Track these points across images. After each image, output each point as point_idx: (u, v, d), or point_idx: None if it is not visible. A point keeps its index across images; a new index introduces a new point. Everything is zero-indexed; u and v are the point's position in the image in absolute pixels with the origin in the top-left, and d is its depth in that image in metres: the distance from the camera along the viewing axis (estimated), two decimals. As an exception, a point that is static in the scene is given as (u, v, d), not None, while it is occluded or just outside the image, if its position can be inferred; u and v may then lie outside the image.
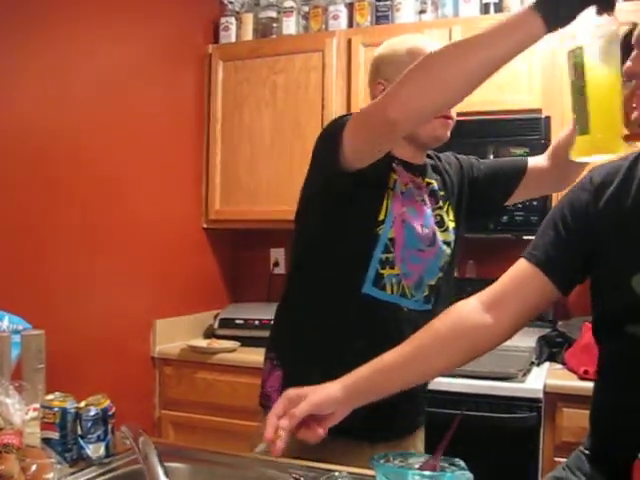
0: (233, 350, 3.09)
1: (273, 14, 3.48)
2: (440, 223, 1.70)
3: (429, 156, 1.79)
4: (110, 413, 1.45)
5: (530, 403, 2.42)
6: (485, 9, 3.07)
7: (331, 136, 1.52)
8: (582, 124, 1.11)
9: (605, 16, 1.12)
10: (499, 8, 3.05)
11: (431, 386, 2.44)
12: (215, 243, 3.58)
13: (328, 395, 1.26)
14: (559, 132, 2.70)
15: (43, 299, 2.53)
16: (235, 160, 3.39)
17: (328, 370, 1.47)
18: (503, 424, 2.41)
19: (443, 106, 1.42)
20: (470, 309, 1.34)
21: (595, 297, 1.32)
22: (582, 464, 1.32)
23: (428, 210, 1.67)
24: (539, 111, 2.82)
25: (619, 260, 1.24)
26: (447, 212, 1.73)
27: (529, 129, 2.79)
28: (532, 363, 2.71)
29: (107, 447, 1.43)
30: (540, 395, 2.42)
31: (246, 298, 3.65)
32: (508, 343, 2.88)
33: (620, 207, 1.26)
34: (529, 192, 1.87)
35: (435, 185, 1.73)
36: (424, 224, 1.65)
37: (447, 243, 1.70)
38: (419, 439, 1.78)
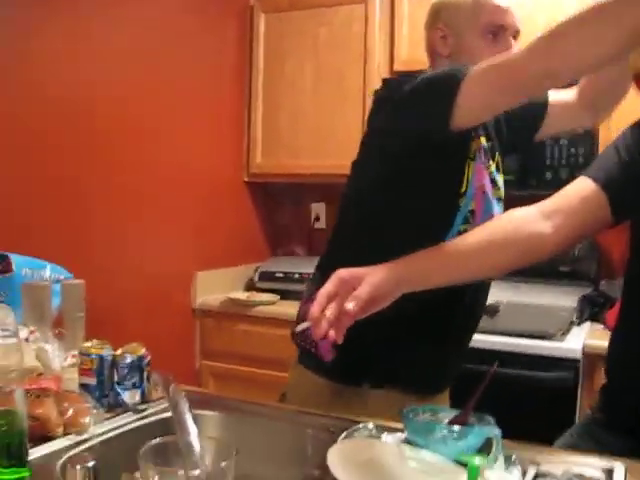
0: (272, 303, 3.12)
1: (316, -36, 3.42)
2: (494, 181, 1.63)
3: None
4: (146, 361, 1.48)
5: (568, 362, 2.40)
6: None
7: (442, 90, 1.38)
8: None
9: None
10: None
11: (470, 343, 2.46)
12: (256, 196, 3.59)
13: (387, 275, 1.22)
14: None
15: (85, 250, 2.58)
16: (276, 114, 3.38)
17: (377, 326, 1.43)
18: (541, 383, 2.40)
19: (600, 63, 1.28)
20: (530, 215, 1.36)
21: (636, 229, 1.34)
22: (590, 430, 1.33)
23: (487, 173, 1.62)
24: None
25: None
26: (497, 165, 1.68)
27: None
28: (572, 322, 2.69)
29: (142, 394, 1.46)
30: (578, 355, 2.40)
31: (287, 252, 3.67)
32: (550, 302, 2.89)
33: None
34: (558, 126, 1.79)
35: (483, 141, 1.64)
36: (490, 187, 1.60)
37: (500, 199, 1.65)
38: (447, 396, 1.77)
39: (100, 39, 2.64)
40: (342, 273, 1.21)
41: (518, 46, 1.59)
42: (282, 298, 3.15)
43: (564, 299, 2.84)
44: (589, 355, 2.41)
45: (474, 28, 1.59)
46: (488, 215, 1.55)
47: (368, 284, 1.18)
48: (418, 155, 1.47)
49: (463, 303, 1.62)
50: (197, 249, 3.22)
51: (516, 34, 1.61)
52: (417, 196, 1.52)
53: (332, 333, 1.17)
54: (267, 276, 3.30)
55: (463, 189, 1.53)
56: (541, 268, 2.98)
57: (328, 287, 1.19)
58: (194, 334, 3.23)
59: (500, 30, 1.58)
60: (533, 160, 2.75)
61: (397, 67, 3.06)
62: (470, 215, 1.54)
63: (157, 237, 2.95)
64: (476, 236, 1.35)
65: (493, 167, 1.65)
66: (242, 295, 3.19)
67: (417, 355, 1.60)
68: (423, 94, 1.44)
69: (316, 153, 3.23)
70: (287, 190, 3.68)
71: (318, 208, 3.64)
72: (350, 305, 1.16)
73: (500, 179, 1.66)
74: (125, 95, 2.76)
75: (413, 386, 1.61)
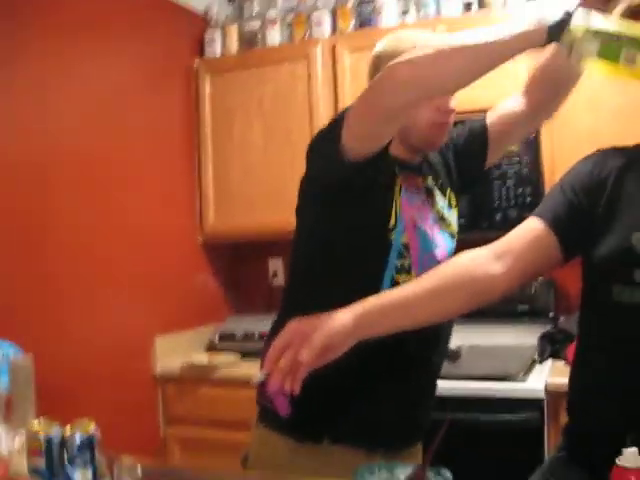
0: (234, 364, 3.08)
1: (257, 25, 3.47)
2: (443, 218, 1.67)
3: None
4: (96, 438, 1.44)
5: (532, 403, 2.39)
6: (467, 7, 3.05)
7: (331, 131, 1.48)
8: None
9: None
10: (481, 5, 3.03)
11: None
12: (212, 256, 3.57)
13: (341, 325, 1.23)
14: (549, 128, 2.71)
15: (36, 321, 2.52)
16: (227, 173, 3.38)
17: (343, 380, 1.48)
18: (506, 426, 2.39)
19: (442, 90, 1.40)
20: (481, 256, 1.37)
21: (588, 263, 1.35)
22: (556, 469, 1.32)
23: (429, 211, 1.65)
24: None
25: (620, 221, 1.28)
26: (449, 203, 1.70)
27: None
28: (534, 361, 2.69)
29: (94, 473, 1.41)
30: (542, 394, 2.40)
31: (246, 310, 3.64)
32: (510, 342, 2.89)
33: (625, 176, 1.32)
34: (509, 140, 1.81)
35: (429, 181, 1.68)
36: (432, 225, 1.63)
37: (452, 235, 1.68)
38: (419, 450, 1.74)
39: (52, 102, 2.65)
40: (295, 323, 1.22)
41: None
42: (243, 358, 3.11)
43: (524, 338, 2.85)
44: (552, 393, 2.40)
45: None
46: (428, 251, 1.58)
47: (321, 333, 1.19)
48: (341, 197, 1.52)
49: (425, 352, 1.62)
50: (155, 313, 3.17)
51: None
52: (348, 237, 1.56)
53: (288, 385, 1.16)
54: (227, 336, 3.26)
55: (392, 224, 1.55)
56: (500, 309, 2.99)
57: (282, 338, 1.21)
58: (156, 401, 3.16)
59: None
60: (482, 202, 2.78)
61: (342, 120, 3.08)
62: (404, 249, 1.56)
63: (113, 303, 2.90)
64: (428, 280, 1.36)
65: (442, 203, 1.68)
66: (203, 357, 3.14)
67: (378, 408, 1.58)
68: (318, 139, 1.57)
69: (269, 209, 3.23)
70: (243, 248, 3.66)
71: (275, 264, 3.63)
72: (304, 355, 1.16)
73: (452, 215, 1.69)
74: (73, 158, 2.75)
75: (378, 441, 1.59)
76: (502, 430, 2.39)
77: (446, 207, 1.69)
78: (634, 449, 0.92)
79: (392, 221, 1.56)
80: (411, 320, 1.34)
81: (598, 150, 1.41)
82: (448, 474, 1.18)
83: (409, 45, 1.61)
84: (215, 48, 3.50)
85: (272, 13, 3.44)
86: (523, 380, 2.46)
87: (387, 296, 1.34)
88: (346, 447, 1.55)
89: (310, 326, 1.21)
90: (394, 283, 1.55)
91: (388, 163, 1.54)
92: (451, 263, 1.41)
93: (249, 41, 3.48)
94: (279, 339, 1.21)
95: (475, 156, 1.76)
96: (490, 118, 1.75)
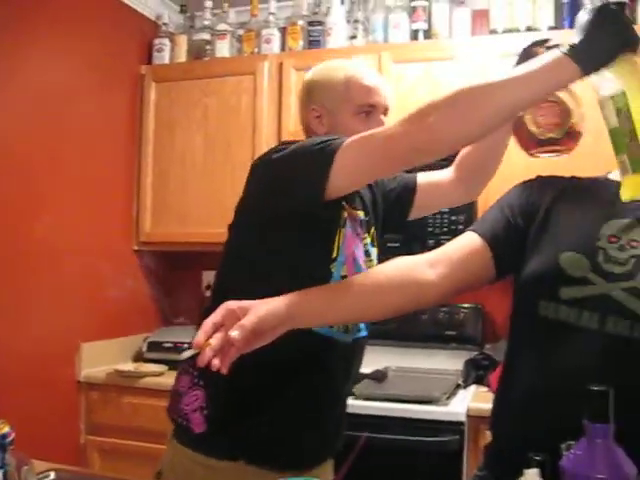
0: (160, 374, 3.05)
1: (207, 36, 3.49)
2: (367, 253, 1.68)
3: None
4: (9, 440, 1.41)
5: (453, 426, 2.43)
6: (414, 35, 3.12)
7: (318, 158, 1.40)
8: (636, 165, 1.18)
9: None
10: (428, 35, 3.10)
11: (353, 410, 2.45)
12: (146, 265, 3.54)
13: (274, 309, 1.21)
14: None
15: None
16: (166, 182, 3.37)
17: (259, 400, 1.48)
18: (427, 447, 2.42)
19: (468, 141, 1.38)
20: (416, 262, 1.39)
21: (518, 281, 1.39)
22: None
23: (362, 245, 1.66)
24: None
25: (550, 241, 1.33)
26: (372, 239, 1.72)
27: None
28: (459, 386, 2.74)
29: (5, 475, 1.38)
30: (463, 418, 2.44)
31: (178, 321, 3.61)
32: (436, 366, 2.94)
33: (559, 200, 1.37)
34: (433, 205, 1.88)
35: (361, 215, 1.69)
36: (364, 259, 1.65)
37: None
38: (331, 466, 1.75)
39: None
40: (230, 304, 1.20)
41: (387, 121, 1.66)
42: (171, 369, 3.08)
43: (451, 363, 2.90)
44: (473, 417, 2.44)
45: (347, 108, 1.65)
46: None
47: (254, 314, 1.18)
48: (288, 223, 1.49)
49: (337, 371, 1.63)
50: (83, 319, 3.12)
51: (385, 111, 1.68)
52: (289, 263, 1.53)
53: (217, 362, 1.14)
54: (156, 347, 3.23)
55: (334, 255, 1.55)
56: (429, 333, 3.05)
57: (214, 316, 1.18)
58: (79, 408, 3.10)
59: (372, 109, 1.65)
60: (415, 227, 2.82)
61: (285, 137, 3.10)
62: None
63: (39, 307, 2.85)
64: (363, 278, 1.38)
65: (368, 240, 1.70)
66: (130, 366, 3.10)
67: (291, 427, 1.59)
68: (298, 162, 1.45)
69: (206, 221, 3.22)
70: (178, 258, 3.64)
71: (209, 276, 3.60)
72: (234, 333, 1.14)
73: (374, 252, 1.71)
74: (11, 160, 2.70)
75: (291, 459, 1.59)
76: (423, 452, 2.42)
77: (370, 244, 1.71)
78: (535, 470, 0.95)
79: (335, 253, 1.55)
80: (345, 315, 1.35)
81: (537, 176, 1.47)
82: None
83: (342, 75, 1.66)
84: (163, 56, 3.50)
85: (223, 26, 3.46)
86: (446, 404, 2.50)
87: (324, 289, 1.35)
88: (260, 467, 1.55)
89: (243, 308, 1.19)
90: None
91: (335, 201, 1.51)
92: (390, 264, 1.41)
93: (198, 52, 3.49)
94: (212, 316, 1.18)
95: (400, 209, 1.81)
96: (420, 180, 1.81)
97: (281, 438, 1.57)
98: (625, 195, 1.23)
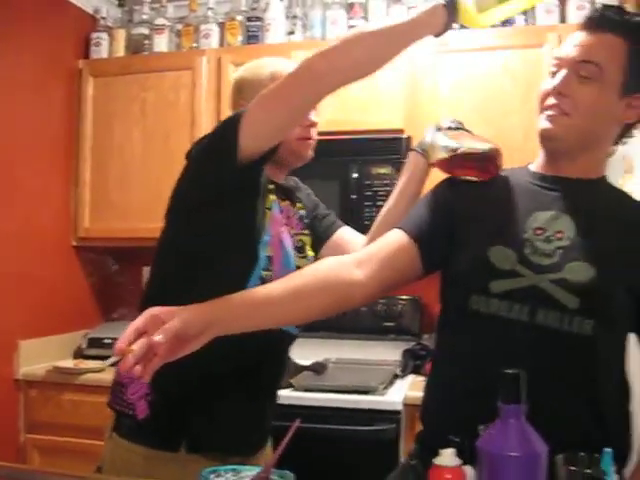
0: (101, 370, 3.03)
1: (145, 31, 3.47)
2: (300, 249, 1.72)
3: (294, 182, 1.85)
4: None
5: (390, 415, 2.48)
6: (352, 32, 3.15)
7: (225, 132, 1.47)
8: None
9: None
10: (365, 31, 3.14)
11: (292, 401, 2.50)
12: (85, 261, 3.51)
13: (199, 313, 1.20)
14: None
15: None
16: (105, 177, 3.34)
17: (201, 386, 1.51)
18: (363, 437, 2.47)
19: (357, 76, 1.41)
20: (343, 263, 1.41)
21: (448, 274, 1.44)
22: (406, 473, 1.38)
23: (293, 236, 1.70)
24: (401, 131, 2.92)
25: (478, 235, 1.38)
26: (310, 244, 1.77)
27: (391, 149, 2.89)
28: (396, 376, 2.80)
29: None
30: (400, 407, 2.49)
31: (119, 317, 3.59)
32: (373, 357, 2.99)
33: (485, 194, 1.44)
34: None
35: (303, 211, 1.76)
36: (292, 248, 1.68)
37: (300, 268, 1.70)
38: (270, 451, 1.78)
39: None
40: (153, 309, 1.18)
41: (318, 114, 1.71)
42: (112, 365, 3.07)
43: (389, 354, 2.95)
44: (410, 406, 2.49)
45: None
46: (288, 268, 1.62)
47: (178, 320, 1.15)
48: (218, 202, 1.52)
49: (271, 359, 1.66)
50: (21, 317, 3.08)
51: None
52: (218, 244, 1.56)
53: (139, 370, 1.12)
54: (96, 343, 3.21)
55: (260, 236, 1.59)
56: (368, 325, 3.10)
57: (137, 322, 1.16)
58: (17, 406, 3.07)
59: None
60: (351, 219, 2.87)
61: (224, 132, 3.12)
62: (269, 262, 1.60)
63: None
64: (291, 281, 1.36)
65: (307, 238, 1.75)
66: (69, 363, 3.08)
67: (230, 415, 1.61)
68: (211, 137, 1.54)
69: (145, 216, 3.20)
70: (118, 254, 3.62)
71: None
72: (158, 337, 1.12)
73: (310, 253, 1.75)
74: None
75: (231, 447, 1.61)
76: (361, 440, 2.47)
77: (307, 242, 1.76)
78: (451, 449, 1.00)
79: (261, 234, 1.59)
80: (271, 320, 1.34)
81: None
82: (291, 476, 1.22)
83: (268, 71, 1.70)
84: (101, 50, 3.47)
85: (161, 21, 3.44)
86: (383, 393, 2.55)
87: (250, 294, 1.33)
88: (201, 456, 1.57)
89: (167, 314, 1.17)
90: None
91: (263, 184, 1.59)
92: (315, 266, 1.44)
93: (136, 46, 3.46)
94: (135, 322, 1.16)
95: (314, 237, 1.84)
96: (339, 233, 1.86)
97: (220, 426, 1.60)
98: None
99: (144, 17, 3.51)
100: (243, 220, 1.58)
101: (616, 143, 1.47)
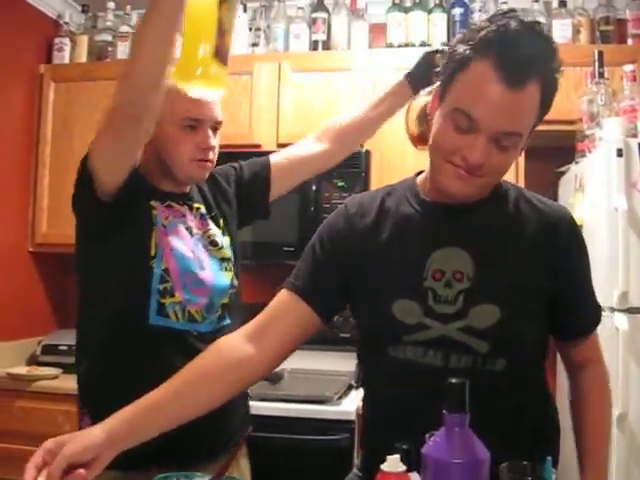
0: (55, 377, 3.01)
1: (109, 38, 3.47)
2: (214, 243, 1.74)
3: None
4: None
5: (343, 425, 2.51)
6: (314, 46, 3.20)
7: (80, 172, 1.58)
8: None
9: None
10: (327, 46, 3.19)
11: (250, 410, 2.50)
12: (42, 267, 3.48)
13: (88, 442, 1.15)
14: (379, 165, 2.89)
15: None
16: (64, 184, 3.28)
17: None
18: (319, 446, 2.49)
19: (158, 67, 1.40)
20: (232, 342, 1.37)
21: (358, 322, 1.41)
22: None
23: (193, 237, 1.70)
24: (360, 145, 2.96)
25: (379, 289, 1.33)
26: (222, 229, 1.78)
27: (350, 163, 2.91)
28: (351, 386, 2.83)
29: None
30: (353, 417, 2.52)
31: (73, 324, 3.55)
32: (328, 367, 3.02)
33: (376, 239, 1.36)
34: (296, 177, 1.97)
35: (203, 209, 1.77)
36: (193, 250, 1.68)
37: (226, 259, 1.75)
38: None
39: None
40: (47, 443, 1.16)
41: (217, 137, 1.74)
42: (66, 372, 3.04)
43: (344, 364, 2.98)
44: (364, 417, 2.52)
45: (172, 119, 1.65)
46: (189, 272, 1.65)
47: (62, 457, 1.12)
48: (100, 233, 1.63)
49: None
50: (-26, 322, 3.05)
51: (217, 125, 1.72)
52: (113, 262, 1.63)
53: None
54: (50, 349, 3.19)
55: (153, 252, 1.63)
56: (324, 335, 3.10)
57: (35, 459, 1.15)
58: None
59: (197, 123, 1.67)
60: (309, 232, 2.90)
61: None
62: (165, 274, 1.63)
63: None
64: (184, 375, 1.31)
65: (215, 231, 1.76)
66: (22, 370, 3.05)
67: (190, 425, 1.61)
68: (75, 189, 1.66)
69: (104, 223, 3.20)
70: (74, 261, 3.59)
71: (107, 279, 3.58)
72: (49, 471, 1.11)
73: (225, 241, 1.77)
74: None
75: (193, 457, 1.58)
76: (316, 450, 2.49)
77: (219, 234, 1.77)
78: (396, 455, 1.02)
79: (152, 250, 1.63)
80: (175, 417, 1.28)
81: (346, 203, 1.45)
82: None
83: (170, 84, 1.72)
84: (64, 55, 3.46)
85: (125, 28, 3.45)
86: (337, 403, 2.58)
87: (144, 400, 1.26)
88: (149, 472, 1.53)
89: (60, 444, 1.14)
90: (160, 305, 1.61)
91: (141, 203, 1.63)
92: (208, 352, 1.37)
93: (99, 53, 3.47)
94: (32, 460, 1.15)
95: (258, 191, 1.90)
96: (274, 157, 1.93)
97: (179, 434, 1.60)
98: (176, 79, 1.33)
99: (108, 24, 3.51)
100: (132, 244, 1.62)
101: None
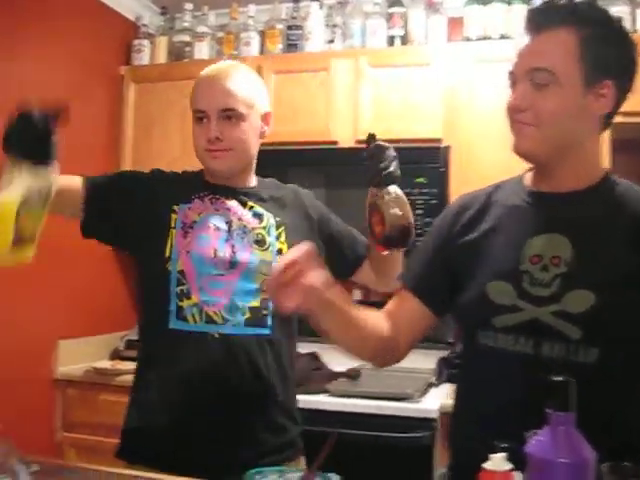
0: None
1: (187, 38, 3.52)
2: (261, 242, 1.71)
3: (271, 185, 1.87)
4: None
5: (425, 423, 2.49)
6: (391, 41, 3.18)
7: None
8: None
9: None
10: (404, 41, 3.17)
11: (327, 407, 2.52)
12: (125, 264, 3.55)
13: (321, 288, 1.23)
14: (458, 161, 2.85)
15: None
16: (145, 181, 3.39)
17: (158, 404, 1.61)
18: (398, 443, 2.48)
19: None
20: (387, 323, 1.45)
21: (455, 311, 1.43)
22: None
23: (232, 231, 1.70)
24: (439, 141, 2.93)
25: (475, 273, 1.35)
26: (279, 235, 1.74)
27: (429, 159, 2.90)
28: (431, 384, 2.80)
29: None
30: (435, 415, 2.50)
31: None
32: (408, 365, 2.98)
33: (478, 227, 1.39)
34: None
35: (260, 208, 1.76)
36: (217, 249, 1.67)
37: (267, 262, 1.68)
38: None
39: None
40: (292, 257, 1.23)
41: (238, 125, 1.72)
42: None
43: (423, 362, 2.95)
44: (446, 415, 2.49)
45: (192, 113, 1.78)
46: (208, 274, 1.66)
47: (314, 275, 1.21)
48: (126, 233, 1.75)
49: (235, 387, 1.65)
50: (62, 317, 3.14)
51: (228, 113, 1.71)
52: (139, 270, 1.75)
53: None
54: (134, 344, 3.23)
55: (167, 254, 1.66)
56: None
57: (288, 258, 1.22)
58: (55, 405, 3.12)
59: (204, 114, 1.72)
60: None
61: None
62: (182, 276, 1.65)
63: (17, 303, 2.86)
64: (372, 318, 1.42)
65: (270, 230, 1.74)
66: (107, 364, 3.12)
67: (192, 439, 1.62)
68: None
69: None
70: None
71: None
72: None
73: (278, 246, 1.72)
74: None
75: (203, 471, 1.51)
76: (397, 447, 2.48)
77: (272, 236, 1.73)
78: (502, 454, 1.00)
79: (167, 252, 1.66)
80: (344, 337, 1.39)
81: (459, 197, 1.51)
82: (336, 478, 1.24)
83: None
84: (143, 57, 3.53)
85: (202, 28, 3.50)
86: (418, 401, 2.56)
87: (352, 306, 1.38)
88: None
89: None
90: (179, 309, 1.64)
91: (162, 210, 1.70)
92: (382, 316, 1.46)
93: (177, 53, 3.52)
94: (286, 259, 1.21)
95: (347, 259, 1.88)
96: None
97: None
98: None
99: (185, 25, 3.56)
100: (150, 246, 1.69)
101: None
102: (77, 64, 3.23)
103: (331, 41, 3.27)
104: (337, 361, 2.95)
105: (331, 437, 1.26)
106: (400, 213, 1.51)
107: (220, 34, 3.51)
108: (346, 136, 3.10)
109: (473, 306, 1.35)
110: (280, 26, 3.36)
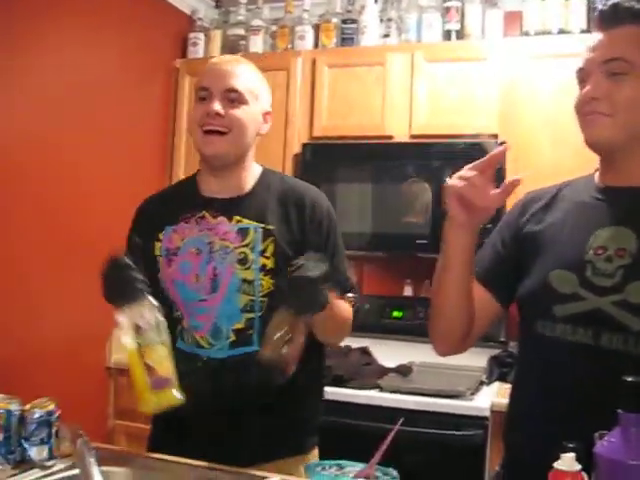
0: (189, 362, 3.10)
1: (241, 32, 3.54)
2: (242, 261, 1.64)
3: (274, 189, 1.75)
4: (55, 416, 1.47)
5: (477, 421, 2.47)
6: (447, 36, 3.15)
7: None
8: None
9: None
10: (460, 35, 3.13)
11: (379, 402, 2.51)
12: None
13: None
14: (514, 157, 2.81)
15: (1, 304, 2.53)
16: (198, 174, 3.41)
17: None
18: (450, 441, 2.46)
19: None
20: None
21: (517, 301, 1.43)
22: None
23: (214, 253, 1.65)
24: (495, 136, 2.90)
25: (539, 262, 1.36)
26: (265, 248, 1.65)
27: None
28: (482, 382, 2.77)
29: (50, 450, 1.45)
30: (487, 413, 2.48)
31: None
32: (459, 362, 2.97)
33: (545, 219, 1.41)
34: None
35: (247, 223, 1.67)
36: (199, 274, 1.65)
37: (247, 281, 1.63)
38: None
39: (20, 87, 2.66)
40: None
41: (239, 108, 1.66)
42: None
43: (474, 360, 2.91)
44: (497, 412, 2.47)
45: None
46: (193, 300, 1.65)
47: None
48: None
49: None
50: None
51: (231, 94, 1.65)
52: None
53: None
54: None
55: (162, 285, 1.68)
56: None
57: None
58: (108, 393, 3.17)
59: (207, 93, 1.66)
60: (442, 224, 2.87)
61: (316, 133, 3.20)
62: (174, 304, 1.67)
63: (75, 291, 2.90)
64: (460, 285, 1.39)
65: (253, 247, 1.65)
66: (159, 353, 3.16)
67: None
68: None
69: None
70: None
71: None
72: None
73: (261, 262, 1.63)
74: (49, 149, 2.78)
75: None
76: (448, 445, 2.46)
77: (254, 251, 1.64)
78: (571, 454, 0.99)
79: (161, 283, 1.68)
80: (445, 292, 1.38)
81: (526, 194, 1.51)
82: (395, 473, 1.24)
83: None
84: (198, 50, 3.56)
85: (257, 22, 3.51)
86: (470, 399, 2.54)
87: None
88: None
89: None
90: (181, 330, 1.67)
91: (147, 237, 1.72)
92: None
93: (232, 47, 3.53)
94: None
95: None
96: None
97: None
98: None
99: (240, 18, 3.58)
100: (149, 274, 1.61)
101: None
102: (134, 57, 3.28)
103: (386, 35, 3.25)
104: (385, 357, 2.95)
105: (393, 429, 1.26)
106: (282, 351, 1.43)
107: (274, 28, 3.52)
108: (401, 131, 3.07)
109: (535, 294, 1.35)
110: (335, 20, 3.35)
